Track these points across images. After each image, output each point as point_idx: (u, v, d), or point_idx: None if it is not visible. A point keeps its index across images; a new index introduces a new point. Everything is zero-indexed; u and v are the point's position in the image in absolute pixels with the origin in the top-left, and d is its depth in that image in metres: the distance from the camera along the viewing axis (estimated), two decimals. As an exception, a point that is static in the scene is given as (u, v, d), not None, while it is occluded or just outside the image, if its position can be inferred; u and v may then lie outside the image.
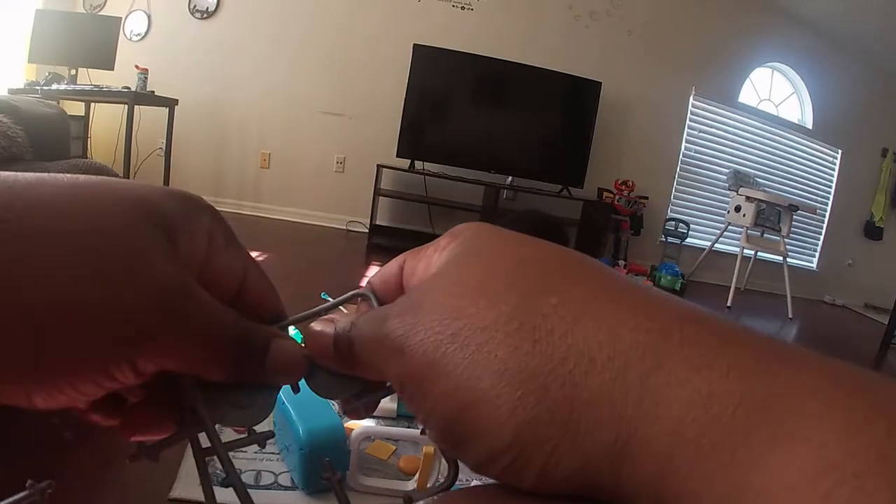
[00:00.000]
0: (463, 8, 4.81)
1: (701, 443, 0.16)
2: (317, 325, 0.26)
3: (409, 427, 1.54)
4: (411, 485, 1.24)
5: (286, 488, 1.21)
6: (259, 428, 0.27)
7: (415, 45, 4.45)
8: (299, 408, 1.21)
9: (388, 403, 1.59)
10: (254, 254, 2.84)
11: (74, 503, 1.06)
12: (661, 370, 0.17)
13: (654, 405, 0.17)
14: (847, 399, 0.15)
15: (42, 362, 0.20)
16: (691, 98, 5.45)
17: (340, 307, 0.30)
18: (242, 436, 0.27)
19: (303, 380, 0.27)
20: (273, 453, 1.32)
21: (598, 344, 0.18)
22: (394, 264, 0.27)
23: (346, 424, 1.29)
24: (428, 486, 1.22)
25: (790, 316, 4.71)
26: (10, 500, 0.21)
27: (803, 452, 0.14)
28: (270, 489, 1.21)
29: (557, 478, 0.18)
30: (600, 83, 4.75)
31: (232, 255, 0.27)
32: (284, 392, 1.05)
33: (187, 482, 1.16)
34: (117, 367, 0.21)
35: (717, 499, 0.15)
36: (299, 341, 0.27)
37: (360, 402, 0.28)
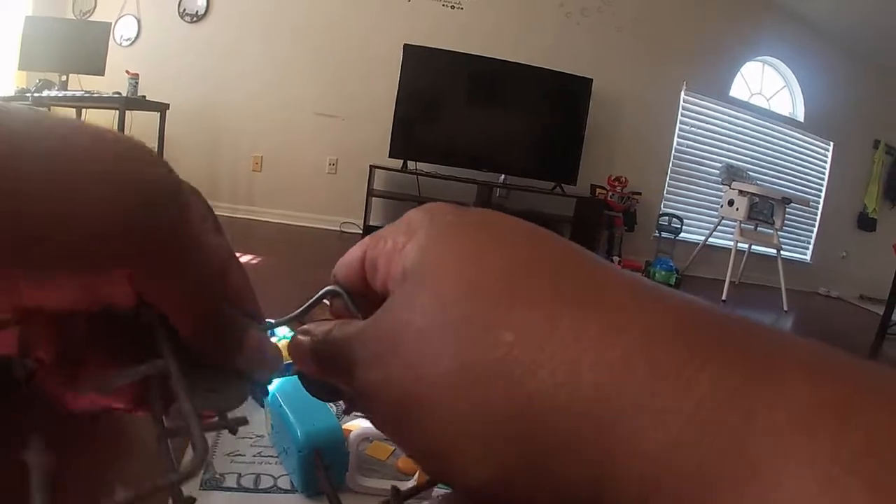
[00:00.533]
0: (453, 7, 4.81)
1: (670, 492, 0.14)
2: (303, 330, 0.26)
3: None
4: (410, 484, 1.24)
5: (286, 491, 1.18)
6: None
7: (405, 44, 4.45)
8: (297, 410, 1.19)
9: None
10: (248, 257, 2.83)
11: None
12: (625, 414, 0.15)
13: (620, 454, 0.15)
14: (838, 425, 0.13)
15: (33, 241, 0.18)
16: (682, 93, 5.46)
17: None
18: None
19: (299, 381, 0.28)
20: (272, 456, 1.31)
21: (557, 387, 0.16)
22: (355, 252, 0.26)
23: (344, 426, 1.28)
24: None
25: (785, 308, 4.72)
26: None
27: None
28: (270, 493, 1.20)
29: None
30: (591, 80, 4.76)
31: (221, 241, 0.26)
32: (281, 394, 1.06)
33: (188, 487, 1.15)
34: (107, 268, 0.20)
35: None
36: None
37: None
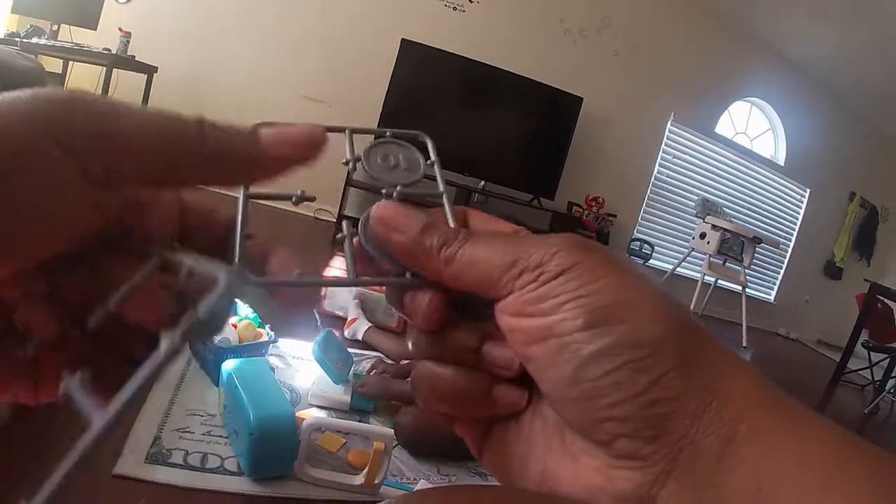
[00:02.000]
0: (455, 8, 4.82)
1: (759, 405, 0.21)
2: (386, 209, 0.27)
3: (360, 421, 1.55)
4: (359, 479, 1.23)
5: (232, 473, 1.19)
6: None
7: (403, 39, 4.45)
8: (251, 393, 1.19)
9: (341, 396, 1.60)
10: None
11: (11, 481, 1.04)
12: (734, 359, 0.23)
13: (733, 375, 0.22)
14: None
15: None
16: (669, 123, 5.53)
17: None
18: None
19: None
20: (221, 437, 1.29)
21: (705, 329, 0.23)
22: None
23: (297, 414, 1.28)
24: (376, 481, 1.23)
25: (744, 345, 4.81)
26: None
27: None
28: (216, 473, 1.18)
29: (657, 395, 0.21)
30: (582, 99, 4.80)
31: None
32: (238, 375, 1.07)
33: (132, 460, 1.15)
34: (41, 153, 0.20)
35: (771, 442, 0.20)
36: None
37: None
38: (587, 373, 0.22)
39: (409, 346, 0.28)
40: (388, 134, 0.31)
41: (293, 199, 0.28)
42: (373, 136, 0.32)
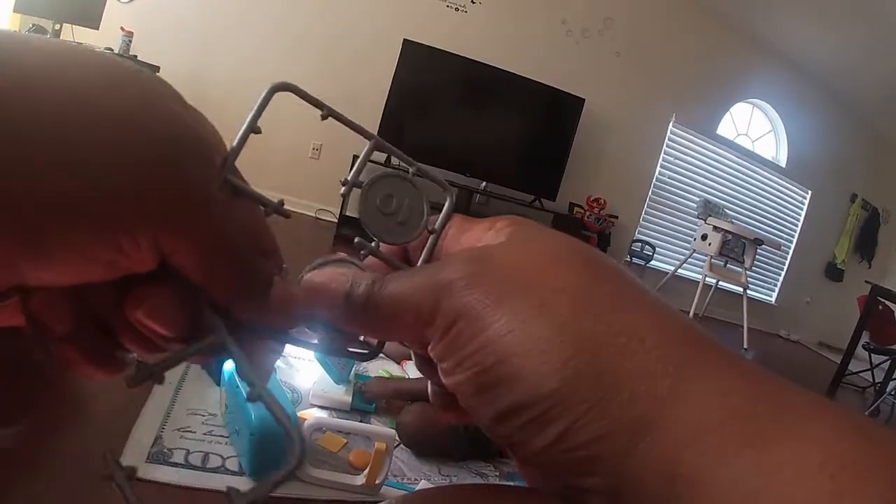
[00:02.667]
0: (457, 9, 4.82)
1: (720, 429, 0.18)
2: (316, 278, 0.25)
3: (361, 421, 1.55)
4: (360, 479, 1.23)
5: (233, 473, 1.18)
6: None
7: (405, 40, 4.45)
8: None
9: (342, 396, 1.59)
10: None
11: (15, 475, 1.04)
12: (694, 364, 0.20)
13: (685, 391, 0.19)
14: (832, 410, 0.18)
15: (43, 218, 0.18)
16: (671, 125, 5.53)
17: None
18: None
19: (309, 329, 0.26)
20: (223, 436, 1.28)
21: (648, 328, 0.20)
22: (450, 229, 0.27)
23: (299, 414, 1.27)
24: (376, 482, 1.23)
25: (745, 347, 4.80)
26: None
27: (805, 450, 0.17)
28: (217, 472, 1.18)
29: (573, 443, 0.19)
30: (584, 100, 4.80)
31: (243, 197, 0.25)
32: (238, 374, 1.06)
33: (132, 459, 1.13)
34: (128, 229, 0.19)
35: (727, 481, 0.17)
36: None
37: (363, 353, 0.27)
38: (499, 430, 0.21)
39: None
40: (411, 171, 0.28)
41: (268, 206, 0.25)
42: (398, 161, 0.29)
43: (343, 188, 0.27)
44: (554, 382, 0.20)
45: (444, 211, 0.27)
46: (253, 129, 0.26)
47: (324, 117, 0.27)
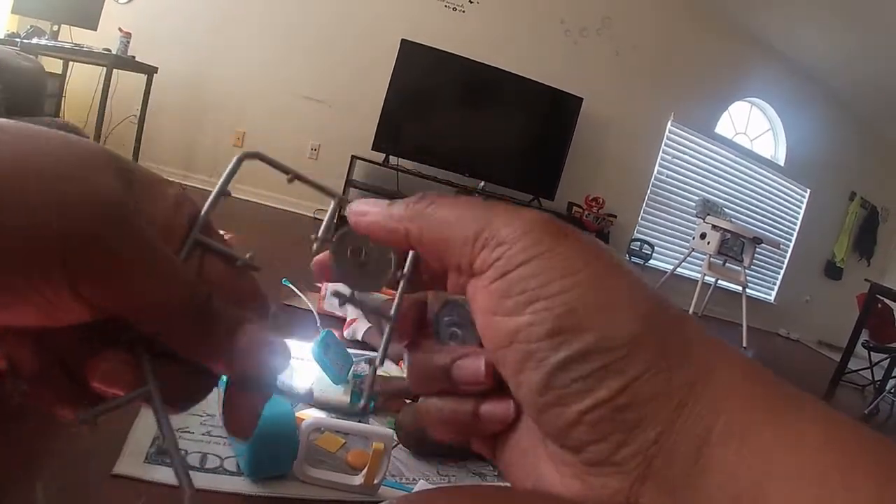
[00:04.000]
0: (455, 9, 4.82)
1: (743, 397, 0.20)
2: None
3: (360, 421, 1.55)
4: (358, 479, 1.23)
5: (231, 473, 1.17)
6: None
7: (403, 40, 4.45)
8: None
9: (340, 396, 1.59)
10: (219, 232, 2.83)
11: (14, 476, 1.04)
12: (721, 351, 0.22)
13: (718, 370, 0.21)
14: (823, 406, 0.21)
15: None
16: (669, 124, 5.54)
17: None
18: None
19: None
20: (220, 436, 1.29)
21: (693, 320, 0.23)
22: (392, 223, 0.27)
23: (297, 414, 1.27)
24: (375, 482, 1.23)
25: (744, 345, 4.79)
26: None
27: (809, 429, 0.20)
28: (215, 473, 1.18)
29: (629, 398, 0.20)
30: (582, 99, 4.80)
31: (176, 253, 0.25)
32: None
33: (131, 460, 1.14)
34: (47, 280, 0.20)
35: (749, 453, 0.19)
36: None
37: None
38: (556, 380, 0.21)
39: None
40: (287, 178, 0.30)
41: (237, 261, 0.26)
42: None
43: (315, 244, 0.27)
44: (627, 335, 0.21)
45: (408, 260, 0.28)
46: (223, 192, 0.28)
47: (290, 181, 0.29)
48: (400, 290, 0.27)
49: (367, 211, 0.26)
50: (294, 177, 0.29)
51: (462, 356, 0.25)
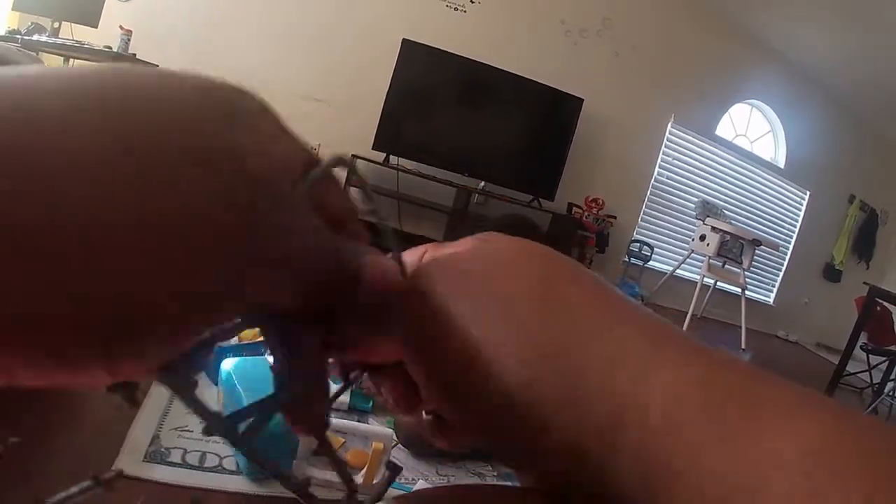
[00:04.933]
0: (456, 9, 4.82)
1: (693, 422, 0.17)
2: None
3: (359, 420, 1.55)
4: (358, 479, 1.24)
5: (231, 472, 1.18)
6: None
7: (403, 39, 4.45)
8: (251, 391, 1.18)
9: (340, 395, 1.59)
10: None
11: (12, 475, 1.04)
12: (660, 352, 0.19)
13: (648, 385, 0.18)
14: (810, 400, 0.18)
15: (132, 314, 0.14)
16: (669, 125, 5.54)
17: None
18: None
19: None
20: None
21: (610, 323, 0.20)
22: (416, 253, 0.27)
23: None
24: (374, 481, 1.23)
25: (743, 347, 4.80)
26: None
27: (780, 446, 0.16)
28: (214, 472, 1.18)
29: (554, 442, 0.19)
30: (582, 100, 4.80)
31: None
32: (237, 374, 1.07)
33: (130, 458, 1.14)
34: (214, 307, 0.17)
35: (705, 477, 0.16)
36: None
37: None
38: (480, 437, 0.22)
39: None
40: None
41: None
42: None
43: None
44: (522, 380, 0.20)
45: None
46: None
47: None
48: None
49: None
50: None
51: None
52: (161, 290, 0.14)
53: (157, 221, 0.14)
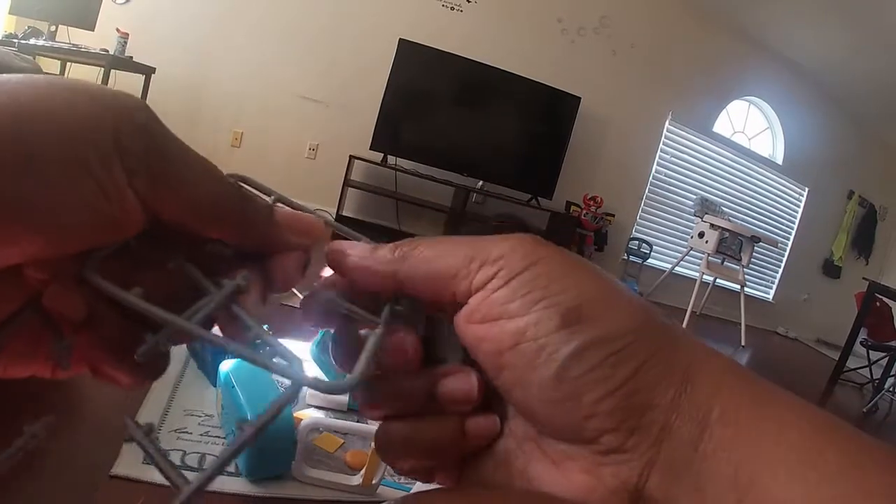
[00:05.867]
0: (452, 8, 4.82)
1: (732, 389, 0.22)
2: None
3: (358, 421, 1.55)
4: (356, 479, 1.23)
5: (230, 474, 1.17)
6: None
7: (400, 39, 4.45)
8: (249, 392, 1.18)
9: (339, 396, 1.59)
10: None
11: (11, 476, 1.04)
12: (706, 348, 0.24)
13: (707, 360, 0.23)
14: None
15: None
16: (667, 122, 5.54)
17: None
18: None
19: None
20: (219, 437, 1.29)
21: (676, 321, 0.24)
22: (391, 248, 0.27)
23: (295, 414, 1.27)
24: (373, 482, 1.23)
25: (743, 344, 4.80)
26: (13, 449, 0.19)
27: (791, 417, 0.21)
28: None
29: (638, 384, 0.22)
30: (580, 98, 4.80)
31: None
32: (235, 376, 1.07)
33: (130, 460, 1.15)
34: (106, 166, 0.20)
35: (744, 423, 0.21)
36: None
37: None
38: (570, 371, 0.22)
39: (367, 411, 0.27)
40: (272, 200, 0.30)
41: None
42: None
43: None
44: (631, 323, 0.23)
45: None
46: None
47: (273, 202, 0.29)
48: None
49: (347, 253, 0.27)
50: (277, 199, 0.30)
51: (446, 374, 0.26)
52: None
53: None
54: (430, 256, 0.25)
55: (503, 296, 0.23)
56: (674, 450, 0.21)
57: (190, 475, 0.19)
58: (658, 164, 5.65)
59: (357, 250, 0.26)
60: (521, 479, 0.25)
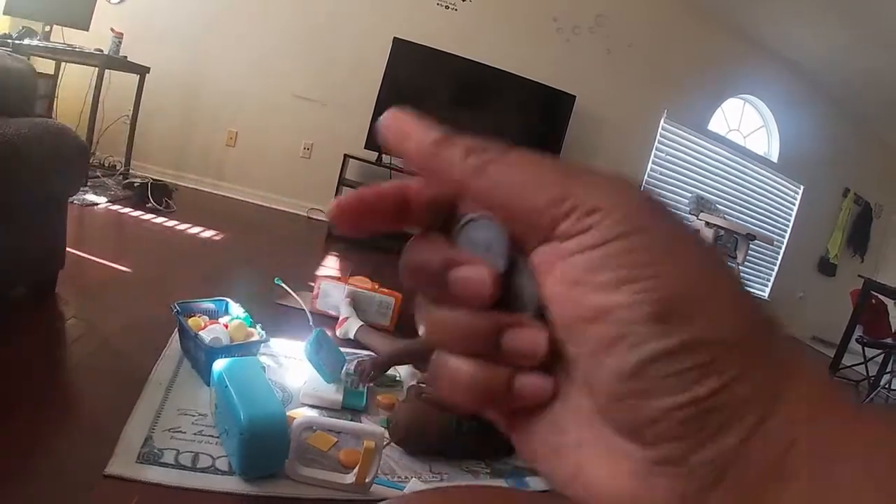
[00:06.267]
0: (447, 7, 4.82)
1: (827, 422, 0.20)
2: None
3: (351, 420, 1.55)
4: (349, 478, 1.24)
5: (223, 473, 1.19)
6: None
7: (395, 38, 4.46)
8: (242, 392, 1.19)
9: (333, 395, 1.60)
10: (210, 232, 2.78)
11: (5, 475, 1.04)
12: (803, 361, 0.21)
13: (796, 374, 0.20)
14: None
15: None
16: (662, 120, 5.54)
17: None
18: None
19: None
20: (213, 436, 1.29)
21: (780, 322, 0.22)
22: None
23: (288, 413, 1.27)
24: (367, 480, 1.23)
25: (738, 342, 4.80)
26: None
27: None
28: (207, 472, 1.18)
29: (723, 400, 0.19)
30: (575, 97, 4.81)
31: None
32: (229, 375, 1.08)
33: (123, 460, 1.15)
34: None
35: (829, 460, 0.19)
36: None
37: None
38: (650, 370, 0.19)
39: (423, 332, 0.24)
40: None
41: None
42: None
43: None
44: (731, 332, 0.20)
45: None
46: None
47: None
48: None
49: (408, 134, 0.24)
50: None
51: (514, 325, 0.23)
52: None
53: None
54: (511, 181, 0.23)
55: (588, 260, 0.20)
56: (744, 476, 0.19)
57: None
58: (653, 163, 5.65)
59: (418, 134, 0.24)
60: (570, 457, 0.22)
